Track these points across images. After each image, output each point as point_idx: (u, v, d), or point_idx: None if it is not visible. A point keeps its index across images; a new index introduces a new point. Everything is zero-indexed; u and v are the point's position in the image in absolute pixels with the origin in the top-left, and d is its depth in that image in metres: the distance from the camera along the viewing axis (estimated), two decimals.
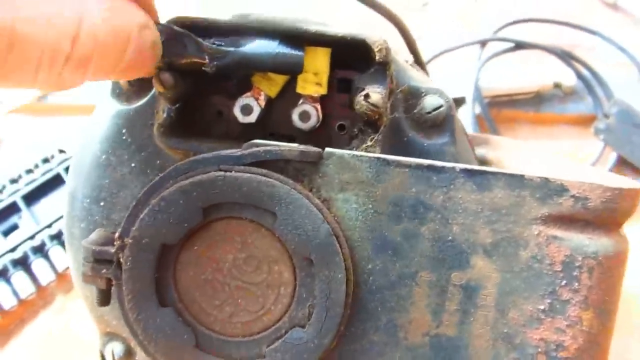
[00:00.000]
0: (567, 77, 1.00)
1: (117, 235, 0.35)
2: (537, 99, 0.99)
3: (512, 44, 1.02)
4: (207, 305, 0.35)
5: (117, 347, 0.44)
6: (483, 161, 0.62)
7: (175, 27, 0.34)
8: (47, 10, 0.25)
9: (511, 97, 0.98)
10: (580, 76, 0.99)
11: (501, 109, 0.98)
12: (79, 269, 0.44)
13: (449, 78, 0.98)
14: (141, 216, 0.34)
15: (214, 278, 0.35)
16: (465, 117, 0.95)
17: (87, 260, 0.35)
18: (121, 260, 0.35)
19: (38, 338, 0.81)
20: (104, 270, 0.35)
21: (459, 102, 0.97)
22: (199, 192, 0.34)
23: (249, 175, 0.33)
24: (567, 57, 1.00)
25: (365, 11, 0.49)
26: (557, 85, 0.99)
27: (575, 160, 0.93)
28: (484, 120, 0.95)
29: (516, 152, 0.59)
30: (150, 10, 0.32)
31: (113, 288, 0.36)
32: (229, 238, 0.34)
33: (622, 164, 0.92)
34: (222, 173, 0.34)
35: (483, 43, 1.02)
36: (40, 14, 0.25)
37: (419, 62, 0.53)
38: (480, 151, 0.64)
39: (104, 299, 0.36)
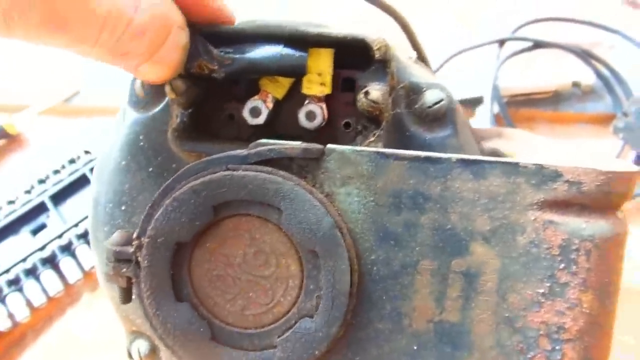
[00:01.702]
0: (586, 76, 0.99)
1: (135, 235, 0.37)
2: (555, 98, 0.99)
3: (530, 43, 1.02)
4: (221, 299, 0.37)
5: (142, 345, 0.47)
6: (496, 154, 0.63)
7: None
8: None
9: (529, 97, 0.98)
10: (599, 75, 0.98)
11: (519, 108, 0.98)
12: (104, 271, 0.46)
13: (467, 77, 0.99)
14: (156, 216, 0.36)
15: (225, 273, 0.37)
16: (484, 116, 0.96)
17: (109, 260, 0.37)
18: (139, 259, 0.37)
19: (66, 335, 0.83)
20: (124, 269, 0.37)
21: (477, 101, 0.97)
22: (208, 191, 0.35)
23: (254, 173, 0.35)
24: (586, 55, 1.00)
25: (364, 8, 0.50)
26: (575, 84, 0.99)
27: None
28: (502, 119, 0.95)
29: (530, 144, 0.59)
30: (187, 15, 0.35)
31: (133, 286, 0.38)
32: (239, 234, 0.36)
33: None
34: (229, 172, 0.35)
35: (501, 42, 1.02)
36: None
37: (420, 56, 0.54)
38: (493, 144, 0.64)
39: (126, 296, 0.38)
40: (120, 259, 0.37)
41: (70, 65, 1.06)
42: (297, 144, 0.36)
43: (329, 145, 0.36)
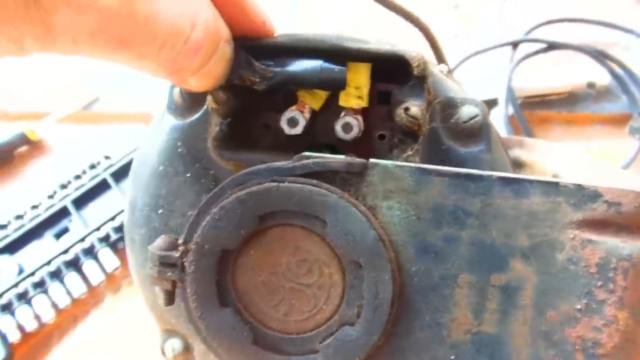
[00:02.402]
0: (601, 77, 1.00)
1: (180, 241, 0.38)
2: (570, 99, 0.99)
3: (544, 45, 1.03)
4: (264, 305, 0.38)
5: (176, 344, 0.48)
6: (518, 163, 0.64)
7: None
8: (175, 3, 0.31)
9: (544, 98, 0.99)
10: (614, 75, 0.99)
11: (534, 110, 0.99)
12: (140, 272, 0.47)
13: (481, 79, 1.00)
14: (203, 224, 0.37)
15: (269, 280, 0.38)
16: (498, 118, 0.97)
17: (154, 264, 0.38)
18: (185, 264, 0.38)
19: (90, 336, 0.85)
20: (169, 274, 0.38)
21: (492, 103, 0.98)
22: (255, 201, 0.36)
23: (300, 185, 0.36)
24: (600, 56, 1.00)
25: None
26: (590, 85, 0.99)
27: (609, 160, 0.94)
28: (517, 121, 0.96)
29: (550, 154, 0.60)
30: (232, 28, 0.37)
31: (177, 290, 0.39)
32: (283, 243, 0.37)
33: None
34: (275, 184, 0.36)
35: (515, 44, 1.03)
36: (172, 5, 0.30)
37: (440, 59, 0.55)
38: (514, 153, 0.65)
39: (169, 299, 0.39)
40: (165, 263, 0.38)
41: (89, 72, 1.07)
42: (340, 157, 0.37)
43: (372, 160, 0.37)
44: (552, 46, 1.03)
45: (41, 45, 0.28)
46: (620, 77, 0.98)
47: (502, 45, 1.02)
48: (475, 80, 1.00)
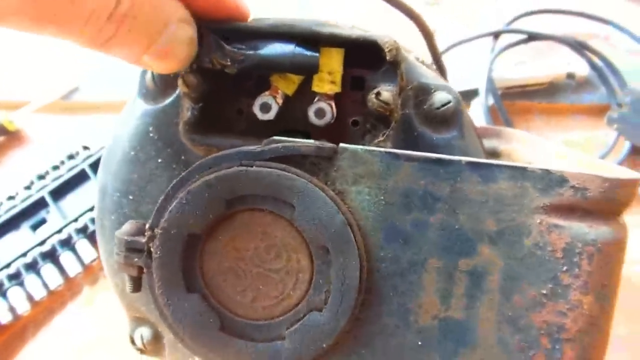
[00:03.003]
0: (581, 68, 1.01)
1: (147, 226, 0.38)
2: (550, 90, 1.00)
3: (525, 36, 1.03)
4: (231, 291, 0.38)
5: (145, 332, 0.47)
6: (494, 153, 0.64)
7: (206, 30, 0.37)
8: None
9: (524, 88, 1.00)
10: (593, 66, 1.00)
11: (514, 100, 0.99)
12: (109, 259, 0.47)
13: (462, 70, 1.00)
14: (169, 208, 0.37)
15: (236, 266, 0.37)
16: (479, 108, 0.97)
17: (120, 250, 0.38)
18: (151, 249, 0.37)
19: (66, 328, 0.85)
20: (136, 259, 0.38)
21: (472, 94, 0.98)
22: (222, 185, 0.36)
23: (268, 169, 0.36)
24: (580, 47, 1.01)
25: (367, 7, 0.51)
26: (570, 76, 1.00)
27: (588, 150, 0.94)
28: (498, 111, 0.96)
29: (527, 145, 0.60)
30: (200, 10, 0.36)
31: (144, 276, 0.39)
32: (251, 228, 0.37)
33: (636, 153, 0.93)
34: (244, 168, 0.36)
35: (496, 35, 1.03)
36: None
37: (436, 58, 0.55)
38: (492, 143, 0.65)
39: (136, 286, 0.39)
40: (131, 249, 0.38)
41: (69, 61, 1.05)
42: (310, 142, 0.37)
43: (342, 145, 0.37)
44: (532, 37, 1.03)
45: None
46: (599, 68, 0.99)
47: (483, 35, 1.03)
48: (456, 70, 1.00)
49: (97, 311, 0.84)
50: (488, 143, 0.65)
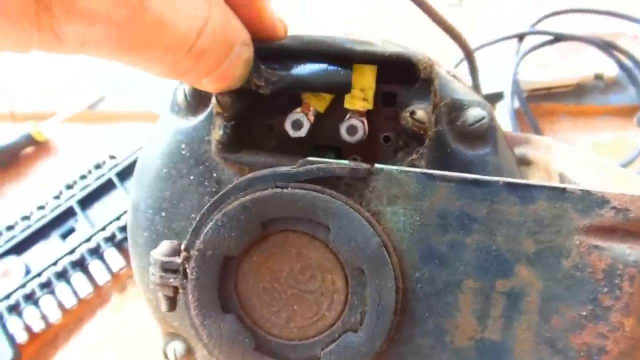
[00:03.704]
0: (609, 68, 0.99)
1: (182, 247, 0.38)
2: (577, 91, 0.99)
3: (550, 37, 1.02)
4: (266, 311, 0.38)
5: (178, 346, 0.48)
6: (523, 160, 0.64)
7: None
8: (186, 6, 0.31)
9: (550, 91, 0.98)
10: (622, 66, 0.98)
11: (540, 103, 0.98)
12: (143, 275, 0.47)
13: (486, 73, 0.99)
14: (205, 230, 0.37)
15: (271, 286, 0.37)
16: (504, 112, 0.96)
17: (156, 271, 0.38)
18: (187, 270, 0.37)
19: (96, 336, 0.86)
20: (171, 280, 0.38)
21: (497, 97, 0.97)
22: (258, 207, 0.36)
23: (304, 191, 0.36)
24: (607, 47, 0.99)
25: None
26: (598, 77, 0.99)
27: (617, 152, 0.93)
28: (523, 114, 0.95)
29: (556, 153, 0.60)
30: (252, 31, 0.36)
31: (179, 295, 0.39)
32: (286, 249, 0.37)
33: None
34: (279, 190, 0.36)
35: (521, 37, 1.02)
36: (182, 8, 0.30)
37: (475, 78, 0.54)
38: (520, 150, 0.65)
39: (171, 305, 0.39)
40: (167, 269, 0.38)
41: (95, 71, 1.07)
42: (344, 162, 0.37)
43: (377, 165, 0.36)
44: (558, 38, 1.02)
45: (47, 49, 0.29)
46: (628, 68, 0.97)
47: (508, 37, 1.01)
48: (480, 74, 0.99)
49: (126, 318, 0.85)
50: (517, 150, 0.64)
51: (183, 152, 0.44)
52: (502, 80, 0.97)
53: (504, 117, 0.95)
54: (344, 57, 0.39)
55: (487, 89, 0.96)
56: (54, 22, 0.27)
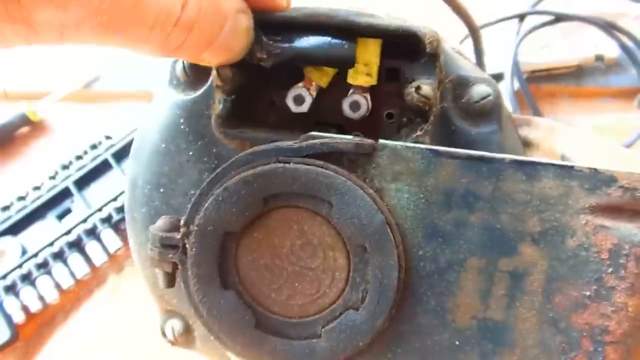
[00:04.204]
0: (610, 49, 0.98)
1: (182, 222, 0.37)
2: (578, 73, 0.97)
3: (551, 17, 1.00)
4: (266, 288, 0.37)
5: (176, 324, 0.48)
6: (525, 142, 0.63)
7: None
8: None
9: (551, 72, 0.97)
10: (623, 47, 0.97)
11: (540, 84, 0.97)
12: (141, 252, 0.47)
13: (487, 53, 0.98)
14: (205, 205, 0.36)
15: (272, 263, 0.37)
16: (504, 93, 0.95)
17: (155, 246, 0.38)
18: (187, 246, 0.37)
19: (93, 316, 0.86)
20: (170, 255, 0.37)
21: (497, 78, 0.96)
22: (259, 182, 0.35)
23: (306, 166, 0.35)
24: (609, 28, 0.98)
25: None
26: (599, 58, 0.97)
27: (618, 134, 0.92)
28: (523, 95, 0.94)
29: (558, 134, 0.59)
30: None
31: (178, 271, 0.38)
32: (287, 226, 0.36)
33: None
34: (281, 165, 0.35)
35: (522, 17, 1.01)
36: None
37: (479, 55, 0.53)
38: (522, 132, 0.64)
39: (170, 281, 0.38)
40: (166, 245, 0.37)
41: (90, 51, 1.05)
42: (348, 137, 0.36)
43: (381, 141, 0.36)
44: (559, 18, 1.00)
45: (25, 41, 0.28)
46: (629, 50, 0.96)
47: (509, 18, 1.00)
48: None
49: (126, 317, 0.84)
50: (519, 132, 0.63)
51: (182, 127, 0.43)
52: (502, 61, 0.96)
53: (504, 98, 0.94)
54: (347, 30, 0.38)
55: (487, 69, 0.95)
56: (24, 12, 0.26)
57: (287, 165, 0.35)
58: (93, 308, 0.86)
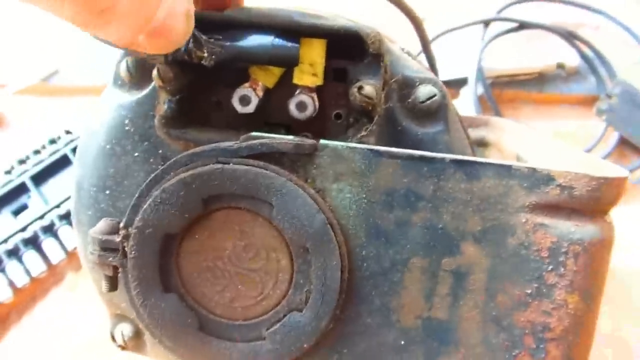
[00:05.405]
0: (571, 57, 1.00)
1: (121, 225, 0.36)
2: (540, 80, 0.99)
3: (515, 24, 1.02)
4: (209, 290, 0.37)
5: (126, 329, 0.46)
6: (482, 143, 0.63)
7: None
8: None
9: (514, 78, 0.99)
10: (583, 56, 0.99)
11: (504, 90, 0.98)
12: (87, 255, 0.45)
13: (451, 58, 0.99)
14: (144, 207, 0.36)
15: (214, 265, 0.36)
16: (468, 97, 0.96)
17: (94, 249, 0.37)
18: (126, 249, 0.36)
19: (49, 315, 0.84)
20: (111, 259, 0.37)
21: (461, 82, 0.97)
22: (198, 183, 0.35)
23: (245, 167, 0.35)
24: (570, 37, 1.00)
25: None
26: (560, 66, 0.99)
27: (577, 140, 0.94)
28: (487, 100, 0.95)
29: (515, 135, 0.59)
30: None
31: (120, 274, 0.38)
32: (229, 227, 0.36)
33: (624, 144, 0.93)
34: (220, 165, 0.35)
35: (486, 23, 1.02)
36: None
37: (425, 47, 0.53)
38: (480, 132, 0.64)
39: (112, 285, 0.38)
40: (106, 248, 0.37)
41: (48, 44, 1.03)
42: (289, 138, 0.35)
43: (322, 141, 0.35)
44: (523, 26, 1.02)
45: None
46: (588, 59, 0.98)
47: (474, 23, 1.01)
48: (445, 59, 0.98)
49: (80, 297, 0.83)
50: (476, 132, 0.64)
51: (127, 128, 0.42)
52: (466, 66, 0.97)
53: (468, 102, 0.95)
54: (291, 30, 0.38)
55: (451, 74, 0.97)
56: None
57: (225, 165, 0.35)
58: (49, 307, 0.84)
